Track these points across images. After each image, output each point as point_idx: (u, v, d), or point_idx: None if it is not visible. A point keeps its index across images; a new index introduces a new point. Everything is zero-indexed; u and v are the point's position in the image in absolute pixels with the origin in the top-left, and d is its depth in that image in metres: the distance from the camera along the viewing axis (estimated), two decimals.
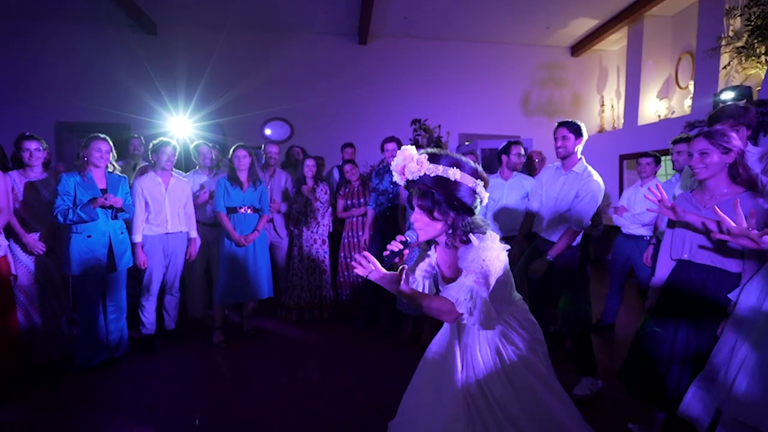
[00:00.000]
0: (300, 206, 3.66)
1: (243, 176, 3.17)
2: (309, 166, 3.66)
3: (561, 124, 2.43)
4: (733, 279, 1.65)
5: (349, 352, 3.08)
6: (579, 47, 6.90)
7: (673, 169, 2.84)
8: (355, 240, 3.73)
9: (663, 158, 3.61)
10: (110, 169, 2.74)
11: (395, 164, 1.31)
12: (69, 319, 2.89)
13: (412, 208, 1.35)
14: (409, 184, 1.31)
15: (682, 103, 5.55)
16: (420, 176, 1.26)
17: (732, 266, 1.66)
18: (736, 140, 1.66)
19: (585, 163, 2.43)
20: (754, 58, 4.39)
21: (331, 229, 3.80)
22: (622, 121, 6.36)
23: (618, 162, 6.08)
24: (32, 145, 2.60)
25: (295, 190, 3.72)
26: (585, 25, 6.28)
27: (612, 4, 5.67)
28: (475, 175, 1.30)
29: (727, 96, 3.92)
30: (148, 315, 3.05)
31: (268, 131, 6.79)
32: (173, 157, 2.99)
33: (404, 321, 3.38)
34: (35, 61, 5.82)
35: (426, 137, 6.63)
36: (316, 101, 6.69)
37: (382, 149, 3.61)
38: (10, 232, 2.59)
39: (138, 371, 2.76)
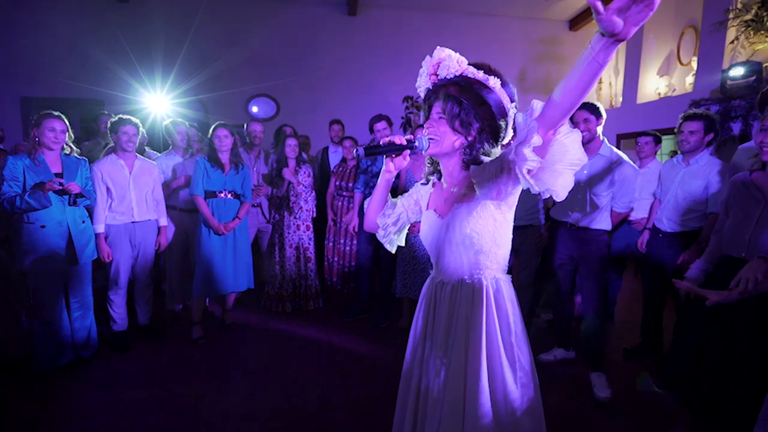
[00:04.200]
0: (281, 190, 3.41)
1: (224, 158, 2.91)
2: (291, 146, 3.40)
3: (581, 107, 2.22)
4: None
5: (339, 345, 2.91)
6: (578, 21, 6.58)
7: (681, 150, 2.57)
8: (344, 227, 3.52)
9: (663, 137, 3.41)
10: (67, 152, 2.46)
11: (427, 62, 1.13)
12: (29, 315, 2.66)
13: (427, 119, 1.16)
14: (435, 88, 1.13)
15: (683, 81, 5.33)
16: (455, 75, 1.09)
17: None
18: None
19: (609, 144, 2.29)
20: (763, 32, 4.16)
21: (314, 214, 3.57)
22: (620, 99, 6.13)
23: (615, 141, 5.89)
24: None
25: (276, 172, 3.47)
26: None
27: None
28: (512, 98, 1.13)
29: (737, 72, 3.72)
30: (118, 310, 2.82)
31: (254, 108, 6.44)
32: (135, 137, 2.69)
33: (400, 308, 3.23)
34: None
35: (419, 115, 6.37)
36: (304, 77, 6.33)
37: (371, 130, 3.36)
38: None
39: (108, 372, 2.55)
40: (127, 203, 2.71)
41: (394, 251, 1.37)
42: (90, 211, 2.62)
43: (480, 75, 1.08)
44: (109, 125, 2.69)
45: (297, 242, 3.47)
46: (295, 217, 3.45)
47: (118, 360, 2.69)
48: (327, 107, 6.08)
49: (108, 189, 2.66)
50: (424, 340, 1.23)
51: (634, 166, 2.27)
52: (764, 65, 3.84)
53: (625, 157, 2.25)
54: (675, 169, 2.55)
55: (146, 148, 3.45)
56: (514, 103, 1.12)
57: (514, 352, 1.12)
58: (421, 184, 1.31)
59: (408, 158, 1.17)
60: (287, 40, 6.24)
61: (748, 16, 4.21)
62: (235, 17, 5.99)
